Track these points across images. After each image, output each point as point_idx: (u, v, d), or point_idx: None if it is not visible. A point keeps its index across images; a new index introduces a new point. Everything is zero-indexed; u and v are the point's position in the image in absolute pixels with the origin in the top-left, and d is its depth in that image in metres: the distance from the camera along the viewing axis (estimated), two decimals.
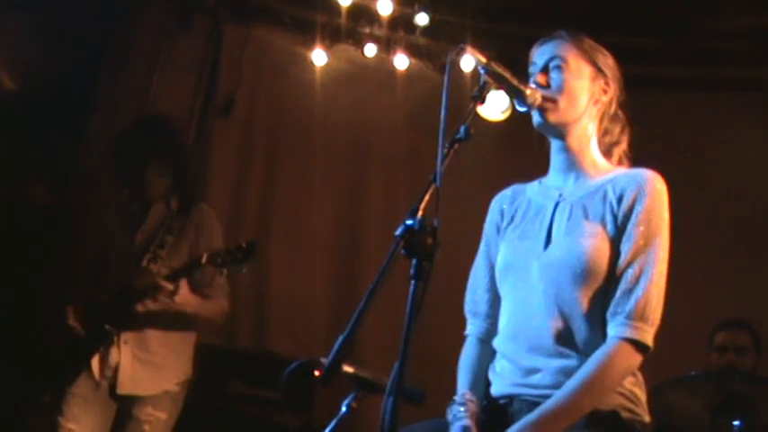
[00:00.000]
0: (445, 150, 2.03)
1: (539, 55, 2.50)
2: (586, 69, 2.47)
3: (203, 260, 3.67)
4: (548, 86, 2.43)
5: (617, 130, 2.54)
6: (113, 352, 3.70)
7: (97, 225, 4.14)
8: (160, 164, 3.94)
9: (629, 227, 2.31)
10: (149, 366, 3.73)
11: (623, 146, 2.56)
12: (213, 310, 3.90)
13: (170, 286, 3.62)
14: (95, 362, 3.68)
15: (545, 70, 2.46)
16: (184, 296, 3.68)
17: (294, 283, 5.58)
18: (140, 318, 3.73)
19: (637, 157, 2.54)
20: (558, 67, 2.44)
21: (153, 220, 3.93)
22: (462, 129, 2.08)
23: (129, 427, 3.68)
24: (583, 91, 2.45)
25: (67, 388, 3.66)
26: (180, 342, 3.86)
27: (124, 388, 3.68)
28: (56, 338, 3.78)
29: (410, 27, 5.84)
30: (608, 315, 2.27)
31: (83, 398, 3.67)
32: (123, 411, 3.72)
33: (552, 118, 2.43)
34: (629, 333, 2.22)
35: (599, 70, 2.48)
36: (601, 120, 2.50)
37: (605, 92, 2.49)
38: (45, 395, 3.74)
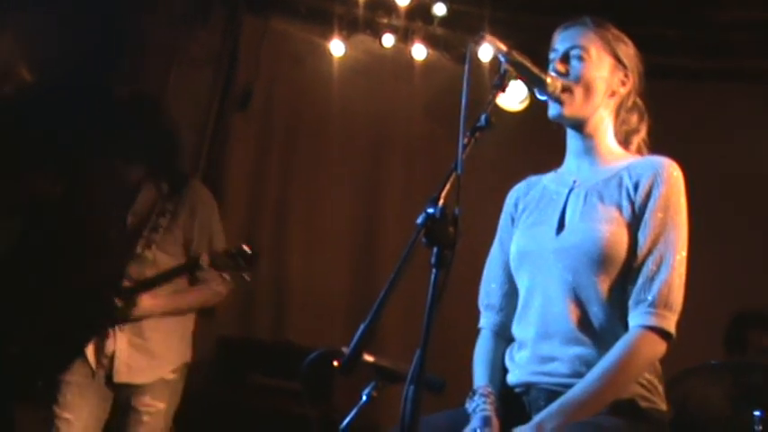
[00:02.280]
0: (466, 139, 2.02)
1: (560, 41, 2.49)
2: (607, 60, 2.45)
3: (203, 262, 3.60)
4: (566, 75, 2.42)
5: (634, 118, 2.53)
6: (109, 340, 3.60)
7: (100, 210, 4.05)
8: (147, 143, 3.83)
9: (647, 214, 2.29)
10: (145, 353, 3.63)
11: (642, 134, 2.54)
12: (197, 300, 3.82)
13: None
14: (90, 350, 3.59)
15: (565, 58, 2.45)
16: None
17: (313, 273, 5.60)
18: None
19: (656, 147, 2.53)
20: (579, 57, 2.43)
21: (143, 201, 3.79)
22: (483, 117, 2.06)
23: (130, 418, 3.61)
24: (601, 83, 2.43)
25: (61, 376, 3.57)
26: (175, 326, 3.75)
27: (120, 376, 3.59)
28: (46, 326, 3.66)
29: (428, 17, 5.83)
30: (630, 304, 2.25)
31: (78, 386, 3.58)
32: (121, 402, 3.65)
33: (568, 111, 2.41)
34: (653, 321, 2.21)
35: (619, 62, 2.47)
36: (617, 111, 2.49)
37: (624, 84, 2.48)
38: (37, 382, 3.63)
